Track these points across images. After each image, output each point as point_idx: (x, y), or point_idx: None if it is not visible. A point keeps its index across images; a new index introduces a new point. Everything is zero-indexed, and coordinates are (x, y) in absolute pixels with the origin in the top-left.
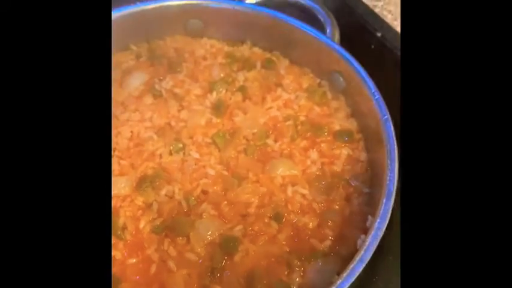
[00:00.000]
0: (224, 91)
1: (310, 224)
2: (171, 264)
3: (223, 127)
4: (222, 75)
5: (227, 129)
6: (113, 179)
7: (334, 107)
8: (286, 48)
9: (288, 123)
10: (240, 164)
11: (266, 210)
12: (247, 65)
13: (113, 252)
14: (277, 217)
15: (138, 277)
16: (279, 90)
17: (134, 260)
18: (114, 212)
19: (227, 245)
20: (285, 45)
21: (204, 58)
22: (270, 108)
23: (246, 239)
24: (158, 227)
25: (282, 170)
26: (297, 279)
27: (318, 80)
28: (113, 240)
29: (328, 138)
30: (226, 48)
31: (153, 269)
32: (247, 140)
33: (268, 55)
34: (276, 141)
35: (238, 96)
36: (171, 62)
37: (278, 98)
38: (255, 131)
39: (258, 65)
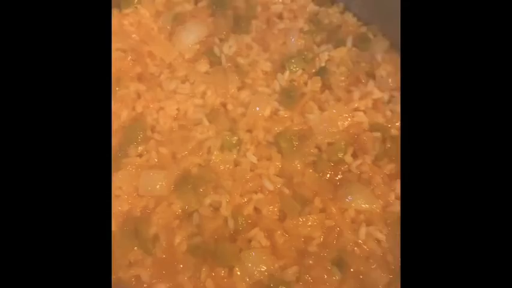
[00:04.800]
0: (300, 71)
1: (380, 283)
2: None
3: (291, 125)
4: (299, 44)
5: (296, 130)
6: (149, 172)
7: None
8: (387, 23)
9: (375, 134)
10: (305, 181)
11: (329, 253)
12: (334, 37)
13: (138, 271)
14: (340, 264)
15: None
16: (370, 84)
17: (163, 287)
18: (145, 217)
19: None
20: (386, 18)
21: (280, 17)
22: (356, 110)
23: (299, 286)
24: (197, 248)
25: (358, 202)
26: None
27: None
28: (140, 255)
29: None
30: (311, 6)
31: None
32: (319, 150)
33: (363, 29)
34: (355, 157)
35: (317, 83)
36: (238, 15)
37: (367, 96)
38: (332, 140)
39: (349, 41)
